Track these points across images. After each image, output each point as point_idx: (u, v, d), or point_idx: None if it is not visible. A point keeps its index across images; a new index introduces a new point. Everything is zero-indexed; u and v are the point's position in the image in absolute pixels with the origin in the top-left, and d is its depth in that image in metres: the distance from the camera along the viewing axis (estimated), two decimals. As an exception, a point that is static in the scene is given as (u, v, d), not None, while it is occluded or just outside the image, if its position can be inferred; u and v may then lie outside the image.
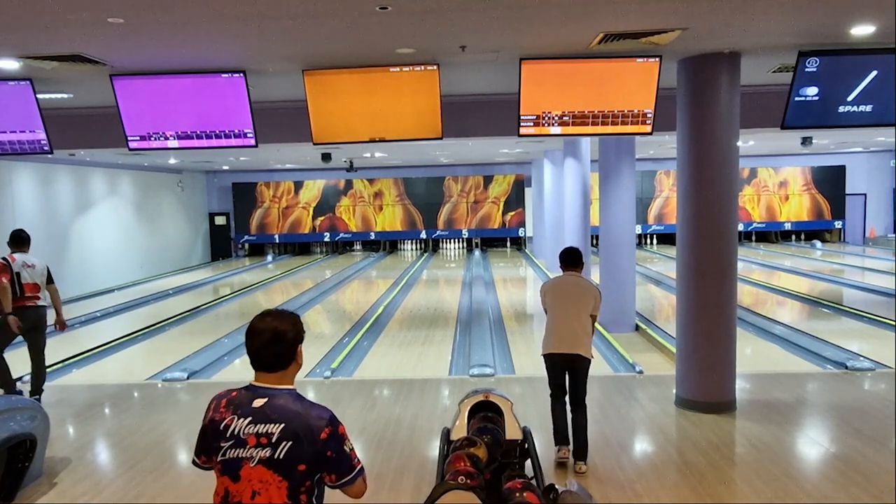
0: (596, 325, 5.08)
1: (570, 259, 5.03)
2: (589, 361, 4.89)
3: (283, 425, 2.18)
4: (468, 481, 2.80)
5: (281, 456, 2.17)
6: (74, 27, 4.69)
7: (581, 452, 4.90)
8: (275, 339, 2.25)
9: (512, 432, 3.80)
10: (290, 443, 2.17)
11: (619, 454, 5.27)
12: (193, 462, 2.37)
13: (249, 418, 2.20)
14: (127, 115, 6.32)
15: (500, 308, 12.14)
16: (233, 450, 2.20)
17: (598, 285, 5.13)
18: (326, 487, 2.32)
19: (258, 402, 2.22)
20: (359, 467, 2.28)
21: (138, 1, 4.13)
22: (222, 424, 2.23)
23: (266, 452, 2.17)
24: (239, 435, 2.20)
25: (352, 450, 2.28)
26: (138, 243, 19.07)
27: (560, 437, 4.99)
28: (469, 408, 3.95)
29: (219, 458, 2.23)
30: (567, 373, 4.91)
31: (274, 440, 2.17)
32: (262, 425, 2.19)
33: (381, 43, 5.32)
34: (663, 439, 5.63)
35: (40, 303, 6.60)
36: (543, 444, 5.41)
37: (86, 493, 4.78)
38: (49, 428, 4.99)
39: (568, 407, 4.99)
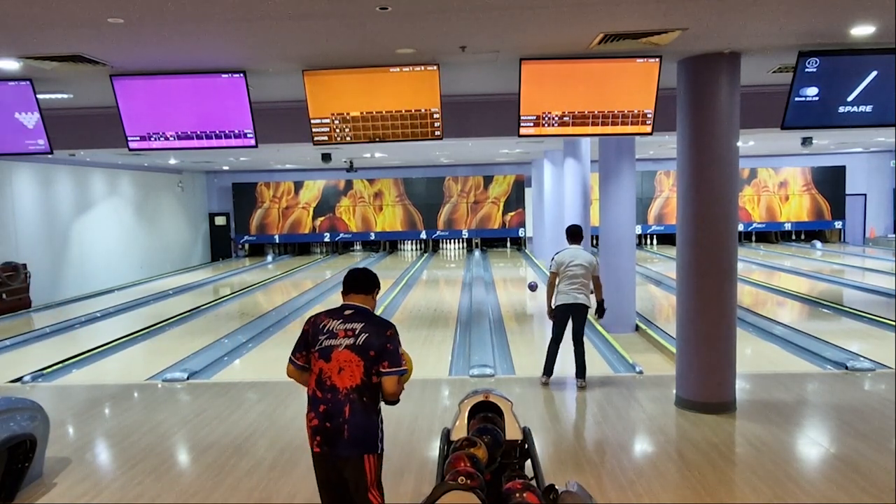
0: (600, 282, 6.90)
1: (574, 234, 6.94)
2: (588, 308, 6.76)
3: (363, 324, 3.28)
4: (468, 482, 2.80)
5: (360, 343, 3.22)
6: (74, 27, 4.69)
7: (581, 373, 6.82)
8: (363, 272, 3.50)
9: (512, 432, 3.79)
10: (367, 335, 3.23)
11: (619, 454, 5.27)
12: (291, 360, 3.38)
13: (341, 320, 3.31)
14: (127, 115, 6.32)
15: (500, 308, 12.13)
16: (328, 340, 3.27)
17: (596, 253, 7.04)
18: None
19: (348, 312, 3.35)
20: (404, 368, 3.25)
21: (138, 1, 4.14)
22: (322, 324, 3.32)
23: (350, 341, 3.23)
24: (332, 330, 3.28)
25: (403, 354, 3.28)
26: (138, 243, 19.07)
27: (547, 370, 6.93)
28: (469, 408, 3.94)
29: (317, 347, 3.28)
30: (571, 318, 6.74)
31: (356, 332, 3.24)
32: (350, 324, 3.28)
33: (381, 43, 5.32)
34: (663, 439, 5.63)
35: None
36: (544, 444, 5.42)
37: (86, 493, 4.78)
38: (49, 428, 4.99)
39: (561, 348, 6.90)
